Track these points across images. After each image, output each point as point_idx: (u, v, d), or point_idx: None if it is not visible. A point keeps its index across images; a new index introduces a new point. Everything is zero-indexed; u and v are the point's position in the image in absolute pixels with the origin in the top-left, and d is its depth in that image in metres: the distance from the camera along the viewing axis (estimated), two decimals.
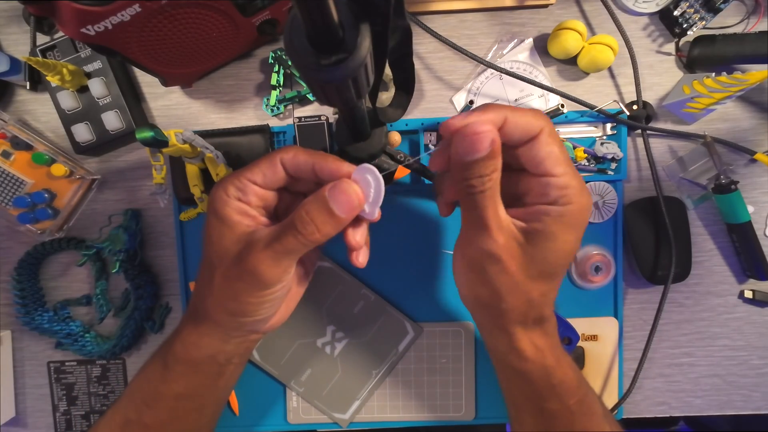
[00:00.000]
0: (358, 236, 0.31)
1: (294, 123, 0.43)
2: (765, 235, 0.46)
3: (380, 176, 0.29)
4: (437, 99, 0.46)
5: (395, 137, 0.44)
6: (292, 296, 0.35)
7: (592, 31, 0.46)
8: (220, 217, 0.31)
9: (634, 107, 0.45)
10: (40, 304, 0.47)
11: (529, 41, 0.45)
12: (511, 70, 0.43)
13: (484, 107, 0.29)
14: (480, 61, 0.43)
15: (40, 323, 0.46)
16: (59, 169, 0.43)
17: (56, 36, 0.45)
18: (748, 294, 0.47)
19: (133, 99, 0.45)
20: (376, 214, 0.30)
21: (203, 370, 0.34)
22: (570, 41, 0.42)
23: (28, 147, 0.43)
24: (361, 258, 0.32)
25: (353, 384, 0.47)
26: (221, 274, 0.31)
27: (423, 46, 0.46)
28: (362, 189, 0.29)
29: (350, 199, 0.28)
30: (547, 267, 0.30)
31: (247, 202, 0.31)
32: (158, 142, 0.32)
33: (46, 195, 0.44)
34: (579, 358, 0.46)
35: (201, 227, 0.46)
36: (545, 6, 0.45)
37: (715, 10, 0.43)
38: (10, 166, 0.44)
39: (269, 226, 0.31)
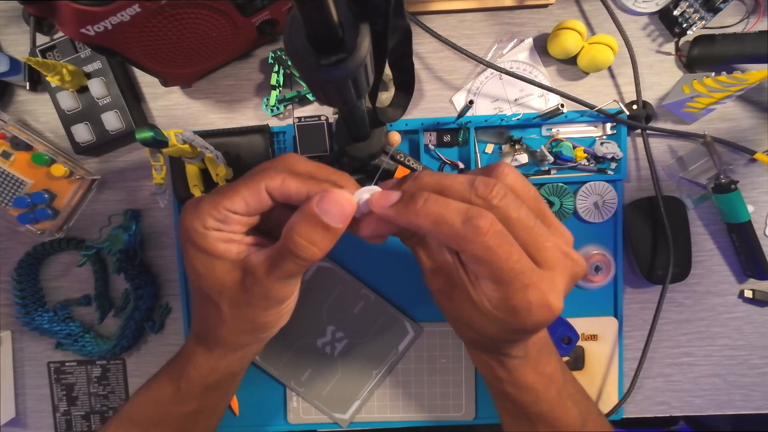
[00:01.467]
0: (371, 229, 0.28)
1: (294, 123, 0.43)
2: (765, 234, 0.46)
3: (377, 188, 0.28)
4: (437, 99, 0.46)
5: (395, 137, 0.44)
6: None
7: (591, 31, 0.46)
8: (203, 250, 0.28)
9: (634, 107, 0.45)
10: (40, 305, 0.47)
11: (529, 41, 0.45)
12: (511, 70, 0.43)
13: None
14: (480, 61, 0.43)
15: (40, 323, 0.46)
16: (59, 169, 0.43)
17: (56, 36, 0.45)
18: (748, 293, 0.47)
19: (132, 99, 0.45)
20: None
21: (221, 386, 0.35)
22: (570, 41, 0.42)
23: (27, 147, 0.43)
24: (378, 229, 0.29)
25: (353, 384, 0.47)
26: (228, 305, 0.29)
27: (423, 46, 0.46)
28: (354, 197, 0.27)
29: (343, 207, 0.26)
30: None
31: (229, 232, 0.28)
32: (158, 143, 0.32)
33: (46, 195, 0.44)
34: (579, 358, 0.46)
35: None
36: (545, 6, 0.45)
37: (714, 10, 0.43)
38: (10, 167, 0.44)
39: (260, 243, 0.29)
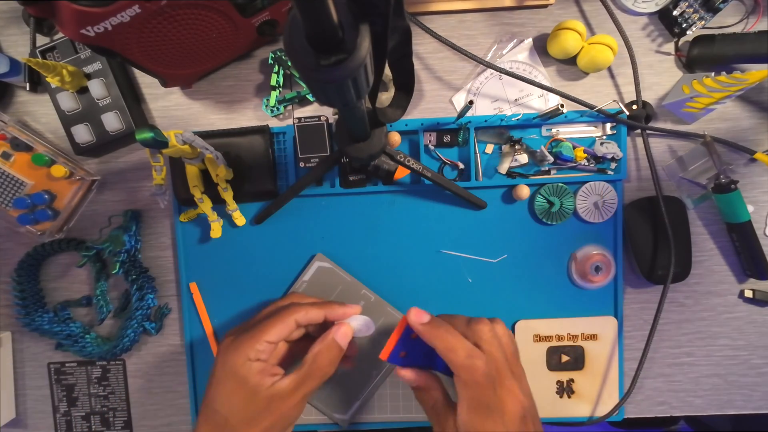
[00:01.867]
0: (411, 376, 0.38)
1: (294, 123, 0.43)
2: (765, 234, 0.46)
3: (370, 321, 0.39)
4: (437, 99, 0.46)
5: (395, 137, 0.44)
6: None
7: (591, 31, 0.46)
8: (242, 381, 0.35)
9: (634, 107, 0.45)
10: (41, 306, 0.47)
11: (529, 41, 0.45)
12: (511, 70, 0.43)
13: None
14: (480, 61, 0.43)
15: (40, 324, 0.46)
16: (59, 170, 0.43)
17: (56, 37, 0.45)
18: (749, 293, 0.47)
19: (132, 100, 0.45)
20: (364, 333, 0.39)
21: None
22: (569, 41, 0.42)
23: (28, 148, 0.43)
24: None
25: (354, 385, 0.47)
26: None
27: (423, 46, 0.46)
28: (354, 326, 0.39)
29: (348, 337, 0.38)
30: None
31: (266, 361, 0.36)
32: (158, 143, 0.32)
33: (46, 196, 0.44)
34: (579, 358, 0.46)
35: (201, 228, 0.47)
36: (545, 6, 0.45)
37: (714, 10, 0.43)
38: (10, 168, 0.44)
39: (282, 372, 0.37)
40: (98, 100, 0.43)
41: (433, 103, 0.46)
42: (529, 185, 0.44)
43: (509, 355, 0.35)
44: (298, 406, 0.36)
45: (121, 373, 0.48)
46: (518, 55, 0.45)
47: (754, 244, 0.44)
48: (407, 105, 0.32)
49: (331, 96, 0.21)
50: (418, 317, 0.35)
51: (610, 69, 0.46)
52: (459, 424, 0.34)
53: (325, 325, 0.39)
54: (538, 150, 0.43)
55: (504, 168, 0.45)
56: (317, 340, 0.37)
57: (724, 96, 0.41)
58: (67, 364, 0.48)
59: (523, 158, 0.44)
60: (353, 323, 0.38)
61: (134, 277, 0.45)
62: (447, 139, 0.45)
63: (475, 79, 0.46)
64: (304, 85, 0.45)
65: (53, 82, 0.41)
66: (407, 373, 0.37)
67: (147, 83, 0.46)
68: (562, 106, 0.41)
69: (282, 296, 0.47)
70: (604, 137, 0.45)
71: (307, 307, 0.38)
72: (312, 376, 0.36)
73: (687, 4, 0.43)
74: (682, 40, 0.45)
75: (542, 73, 0.45)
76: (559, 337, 0.46)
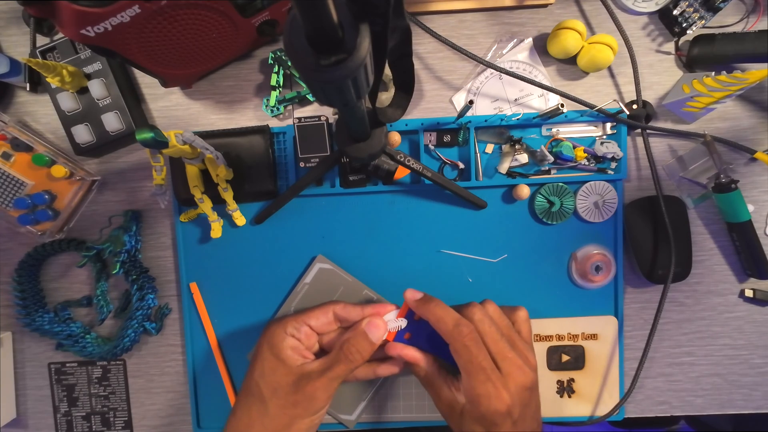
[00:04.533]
0: (398, 350, 0.40)
1: (294, 123, 0.43)
2: (765, 233, 0.46)
3: (404, 321, 0.40)
4: (437, 99, 0.46)
5: (395, 137, 0.44)
6: None
7: (591, 31, 0.46)
8: (276, 352, 0.38)
9: (634, 106, 0.45)
10: (41, 306, 0.47)
11: (529, 41, 0.45)
12: (511, 70, 0.43)
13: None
14: (480, 61, 0.43)
15: (40, 324, 0.46)
16: (59, 170, 0.43)
17: (56, 37, 0.45)
18: (749, 293, 0.47)
19: (133, 100, 0.45)
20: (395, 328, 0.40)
21: None
22: (569, 41, 0.42)
23: (28, 148, 0.43)
24: (386, 368, 0.42)
25: (359, 385, 0.47)
26: (276, 405, 0.37)
27: (423, 46, 0.46)
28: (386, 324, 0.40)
29: (379, 330, 0.39)
30: None
31: (299, 339, 0.39)
32: (158, 143, 0.32)
33: (47, 196, 0.44)
34: (579, 358, 0.46)
35: (201, 228, 0.47)
36: (545, 6, 0.45)
37: (714, 9, 0.43)
38: (11, 168, 0.44)
39: (313, 360, 0.39)
40: (98, 100, 0.43)
41: (433, 102, 0.46)
42: (529, 185, 0.44)
43: (504, 329, 0.38)
44: (325, 391, 0.37)
45: (122, 373, 0.48)
46: (518, 55, 0.45)
47: (755, 243, 0.44)
48: (407, 105, 0.32)
49: (331, 96, 0.21)
50: (412, 295, 0.39)
51: (610, 68, 0.46)
52: (463, 393, 0.37)
53: None
54: (539, 150, 0.43)
55: (504, 168, 0.45)
56: (349, 329, 0.39)
57: (724, 95, 0.41)
58: (67, 364, 0.48)
59: (523, 158, 0.44)
60: (387, 318, 0.40)
61: (134, 277, 0.46)
62: (447, 138, 0.45)
63: (475, 79, 0.46)
64: (304, 85, 0.45)
65: (53, 82, 0.41)
66: (398, 349, 0.39)
67: (147, 83, 0.46)
68: (562, 105, 0.41)
69: (284, 297, 0.47)
70: (605, 137, 0.45)
71: (346, 303, 0.41)
72: (339, 361, 0.37)
73: (687, 3, 0.43)
74: (683, 39, 0.45)
75: (542, 73, 0.45)
76: (560, 337, 0.46)
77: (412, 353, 0.39)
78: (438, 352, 0.39)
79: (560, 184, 0.44)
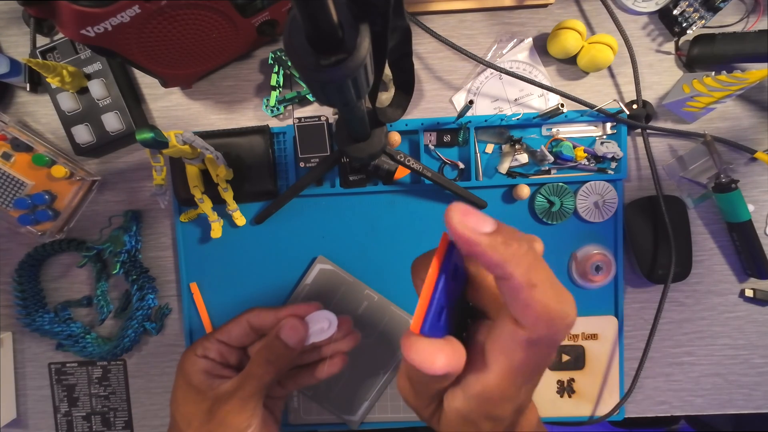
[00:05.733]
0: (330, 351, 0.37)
1: (294, 123, 0.43)
2: (765, 233, 0.46)
3: (334, 317, 0.36)
4: (437, 99, 0.46)
5: (395, 137, 0.44)
6: None
7: (591, 31, 0.46)
8: (187, 379, 0.34)
9: (634, 106, 0.45)
10: (41, 306, 0.47)
11: (529, 41, 0.45)
12: (511, 70, 0.43)
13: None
14: (480, 60, 0.43)
15: (40, 325, 0.46)
16: (59, 170, 0.43)
17: (56, 38, 0.45)
18: (749, 293, 0.46)
19: (133, 100, 0.45)
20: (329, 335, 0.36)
21: None
22: (569, 41, 0.42)
23: (28, 149, 0.43)
24: (326, 369, 0.38)
25: (362, 385, 0.46)
26: None
27: (423, 46, 0.46)
28: (308, 324, 0.35)
29: (297, 332, 0.34)
30: None
31: (212, 359, 0.35)
32: (158, 144, 0.32)
33: (47, 196, 0.44)
34: (579, 357, 0.46)
35: (201, 228, 0.47)
36: (544, 6, 0.45)
37: (714, 9, 0.43)
38: (11, 168, 0.44)
39: (231, 375, 0.34)
40: (98, 100, 0.43)
41: (433, 102, 0.46)
42: (529, 185, 0.44)
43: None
44: (240, 413, 0.33)
45: (122, 374, 0.48)
46: (518, 55, 0.45)
47: (755, 243, 0.44)
48: (407, 105, 0.32)
49: (331, 96, 0.21)
50: (474, 222, 0.19)
51: (610, 68, 0.46)
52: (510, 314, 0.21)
53: None
54: (539, 150, 0.43)
55: (504, 168, 0.45)
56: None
57: (724, 95, 0.41)
58: (67, 365, 0.48)
59: (524, 158, 0.44)
60: (307, 319, 0.36)
61: (135, 277, 0.46)
62: (447, 138, 0.45)
63: (475, 79, 0.46)
64: (304, 85, 0.45)
65: (53, 82, 0.41)
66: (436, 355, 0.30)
67: (147, 83, 0.46)
68: (562, 105, 0.41)
69: (284, 298, 0.47)
70: (605, 137, 0.45)
71: (261, 308, 0.37)
72: (251, 375, 0.33)
73: (687, 3, 0.43)
74: (683, 39, 0.45)
75: (542, 73, 0.45)
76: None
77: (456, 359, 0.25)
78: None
79: (560, 184, 0.44)
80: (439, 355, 0.19)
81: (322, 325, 0.35)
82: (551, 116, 0.43)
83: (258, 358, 0.33)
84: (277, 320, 0.36)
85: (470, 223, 0.18)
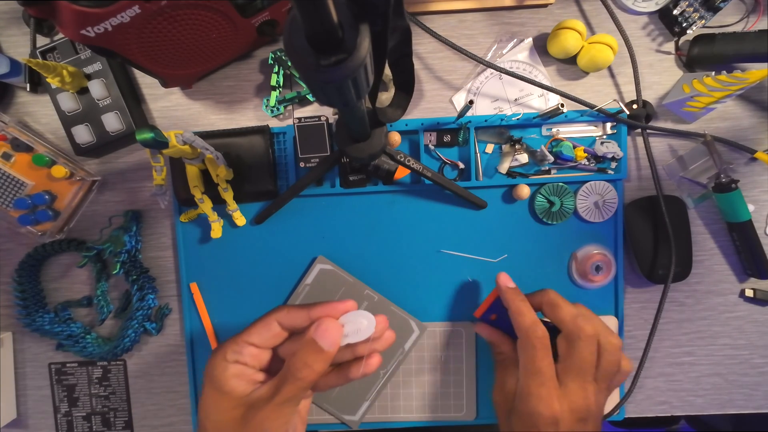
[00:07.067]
0: (484, 331, 0.43)
1: (294, 123, 0.43)
2: (765, 233, 0.46)
3: (371, 317, 0.33)
4: (437, 99, 0.46)
5: (395, 137, 0.44)
6: None
7: (591, 31, 0.46)
8: (218, 385, 0.33)
9: (634, 106, 0.45)
10: (41, 306, 0.47)
11: (529, 41, 0.45)
12: (511, 70, 0.43)
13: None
14: (480, 60, 0.43)
15: (41, 325, 0.46)
16: (59, 170, 0.43)
17: (56, 38, 0.45)
18: (749, 293, 0.46)
19: (133, 100, 0.45)
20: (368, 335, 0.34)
21: None
22: (569, 41, 0.42)
23: (28, 149, 0.43)
24: (362, 369, 0.35)
25: (362, 385, 0.46)
26: None
27: (423, 46, 0.46)
28: (343, 325, 0.33)
29: (332, 335, 0.32)
30: None
31: (244, 362, 0.33)
32: (158, 144, 0.32)
33: (47, 197, 0.44)
34: None
35: (201, 228, 0.47)
36: (544, 6, 0.45)
37: (714, 9, 0.43)
38: (11, 168, 0.44)
39: (265, 382, 0.33)
40: (98, 100, 0.43)
41: (433, 102, 0.46)
42: (529, 185, 0.44)
43: (605, 361, 0.36)
44: (276, 419, 0.32)
45: (122, 374, 0.48)
46: (518, 55, 0.45)
47: (755, 243, 0.44)
48: (407, 105, 0.32)
49: (331, 96, 0.21)
50: (505, 282, 0.40)
51: (610, 68, 0.46)
52: (518, 386, 0.36)
53: None
54: (539, 150, 0.43)
55: (504, 168, 0.45)
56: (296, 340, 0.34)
57: (724, 95, 0.41)
58: (67, 365, 0.48)
59: (524, 158, 0.44)
60: (342, 320, 0.34)
61: (135, 277, 0.46)
62: (447, 138, 0.45)
63: (475, 79, 0.46)
64: (304, 85, 0.45)
65: (53, 82, 0.41)
66: (482, 329, 0.42)
67: (147, 83, 0.46)
68: (562, 105, 0.41)
69: (284, 298, 0.47)
70: (605, 137, 0.45)
71: (290, 307, 0.35)
72: (287, 380, 0.31)
73: (687, 3, 0.43)
74: (683, 39, 0.45)
75: (542, 73, 0.45)
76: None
77: (497, 335, 0.41)
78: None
79: (560, 184, 0.44)
80: (481, 327, 0.43)
81: (359, 325, 0.33)
82: (551, 116, 0.43)
83: (295, 362, 0.32)
84: (309, 320, 0.34)
85: (504, 281, 0.40)
